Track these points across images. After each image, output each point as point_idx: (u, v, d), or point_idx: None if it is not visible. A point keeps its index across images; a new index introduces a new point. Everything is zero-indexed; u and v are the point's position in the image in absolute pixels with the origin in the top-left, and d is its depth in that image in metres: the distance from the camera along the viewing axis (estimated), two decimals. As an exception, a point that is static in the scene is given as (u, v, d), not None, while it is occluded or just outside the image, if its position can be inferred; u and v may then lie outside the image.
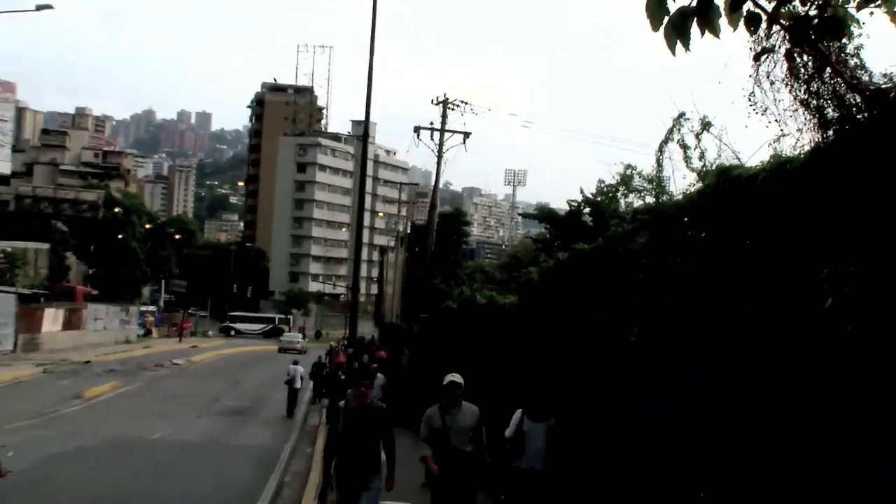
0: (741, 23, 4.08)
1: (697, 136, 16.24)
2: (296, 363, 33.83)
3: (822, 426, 5.52)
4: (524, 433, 11.34)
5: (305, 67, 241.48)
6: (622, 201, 24.82)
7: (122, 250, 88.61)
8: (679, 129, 16.89)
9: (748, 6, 4.03)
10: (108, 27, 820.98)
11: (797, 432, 5.83)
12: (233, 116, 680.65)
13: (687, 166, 16.60)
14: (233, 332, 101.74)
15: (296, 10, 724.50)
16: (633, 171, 23.94)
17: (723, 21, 4.00)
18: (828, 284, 5.55)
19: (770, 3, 4.13)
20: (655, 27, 3.97)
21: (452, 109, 38.08)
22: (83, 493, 15.95)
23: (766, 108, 5.82)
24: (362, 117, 29.11)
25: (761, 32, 4.85)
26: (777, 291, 6.24)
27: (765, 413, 6.27)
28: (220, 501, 16.51)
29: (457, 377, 10.84)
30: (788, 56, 5.36)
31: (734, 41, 4.61)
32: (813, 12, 4.30)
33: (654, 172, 20.50)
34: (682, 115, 16.71)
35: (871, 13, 4.22)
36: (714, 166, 13.40)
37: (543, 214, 35.16)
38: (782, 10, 4.24)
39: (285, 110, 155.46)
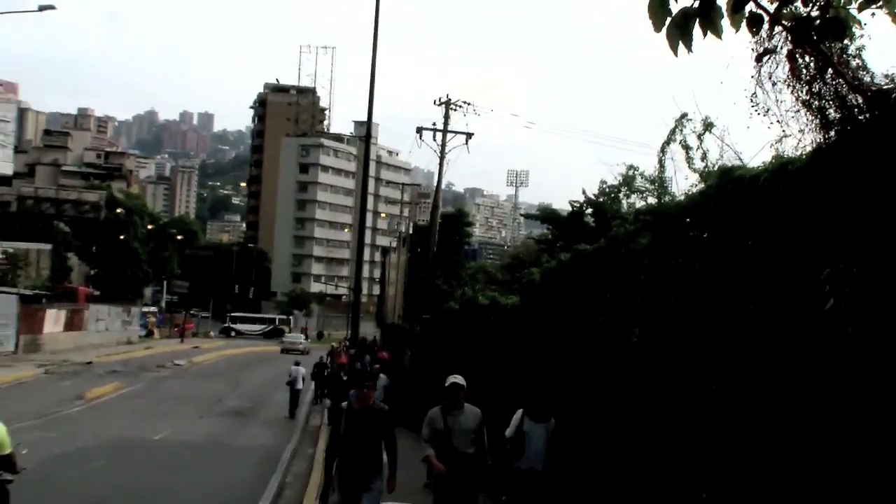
0: (743, 24, 4.08)
1: (700, 136, 16.25)
2: (297, 364, 33.84)
3: (824, 427, 5.52)
4: (524, 433, 11.34)
5: (308, 68, 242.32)
6: (624, 202, 24.81)
7: (124, 251, 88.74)
8: (681, 130, 16.89)
9: (750, 7, 4.03)
10: (111, 28, 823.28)
11: (799, 433, 5.83)
12: (235, 117, 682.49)
13: (689, 167, 16.60)
14: (233, 333, 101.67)
15: (298, 11, 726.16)
16: (636, 172, 23.93)
17: (725, 22, 4.00)
18: (829, 285, 5.54)
19: (772, 4, 4.13)
20: (658, 28, 3.98)
21: (455, 110, 38.12)
22: (85, 494, 15.96)
23: (768, 109, 5.82)
24: (365, 118, 29.15)
25: (763, 33, 4.84)
26: (779, 292, 6.24)
27: (767, 414, 6.27)
28: (222, 502, 16.52)
29: (459, 379, 10.83)
30: (790, 57, 5.36)
31: (736, 42, 4.62)
32: (815, 13, 4.30)
33: (657, 173, 20.49)
34: (684, 115, 16.70)
35: (873, 14, 4.22)
36: (716, 167, 13.41)
37: (545, 215, 35.13)
38: (784, 11, 4.24)
39: (288, 111, 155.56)
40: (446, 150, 37.64)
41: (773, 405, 6.19)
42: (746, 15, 4.05)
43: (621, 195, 25.09)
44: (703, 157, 16.06)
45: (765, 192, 6.66)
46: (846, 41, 5.15)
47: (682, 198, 11.14)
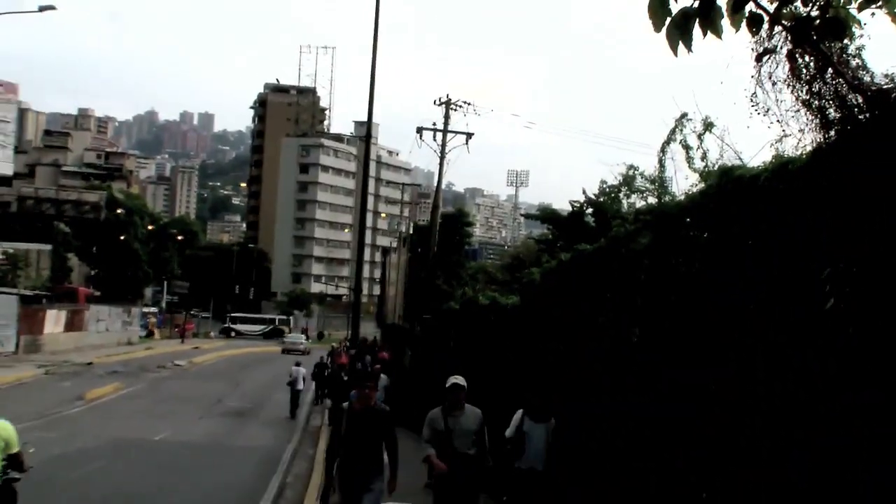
0: (743, 23, 4.08)
1: (700, 136, 16.26)
2: (298, 364, 33.86)
3: (825, 427, 5.52)
4: (524, 434, 11.34)
5: (308, 68, 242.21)
6: (624, 202, 24.81)
7: (125, 251, 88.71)
8: (681, 130, 16.90)
9: (750, 7, 4.03)
10: (111, 28, 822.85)
11: (799, 433, 5.82)
12: (235, 117, 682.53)
13: (689, 167, 16.61)
14: (233, 334, 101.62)
15: (298, 11, 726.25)
16: (636, 172, 23.93)
17: (725, 22, 4.00)
18: (830, 285, 5.54)
19: (772, 3, 4.13)
20: (658, 28, 3.97)
21: (455, 110, 38.14)
22: (85, 495, 15.96)
23: (768, 109, 5.81)
24: (365, 118, 29.13)
25: (763, 33, 4.84)
26: (779, 292, 6.24)
27: (767, 414, 6.27)
28: (223, 502, 16.52)
29: (460, 380, 10.82)
30: (790, 57, 5.36)
31: (736, 42, 4.61)
32: (815, 13, 4.30)
33: (657, 173, 20.50)
34: (684, 115, 16.71)
35: (873, 14, 4.22)
36: (716, 167, 13.41)
37: (546, 215, 35.12)
38: (784, 11, 4.24)
39: (288, 111, 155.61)
40: (446, 150, 37.68)
41: (773, 405, 6.19)
42: (746, 15, 4.05)
43: (621, 195, 25.09)
44: (704, 157, 16.07)
45: (765, 192, 6.65)
46: (846, 41, 5.15)
47: (683, 197, 11.13)
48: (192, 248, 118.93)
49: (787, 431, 5.98)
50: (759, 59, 5.43)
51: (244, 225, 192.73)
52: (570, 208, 31.63)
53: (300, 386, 32.51)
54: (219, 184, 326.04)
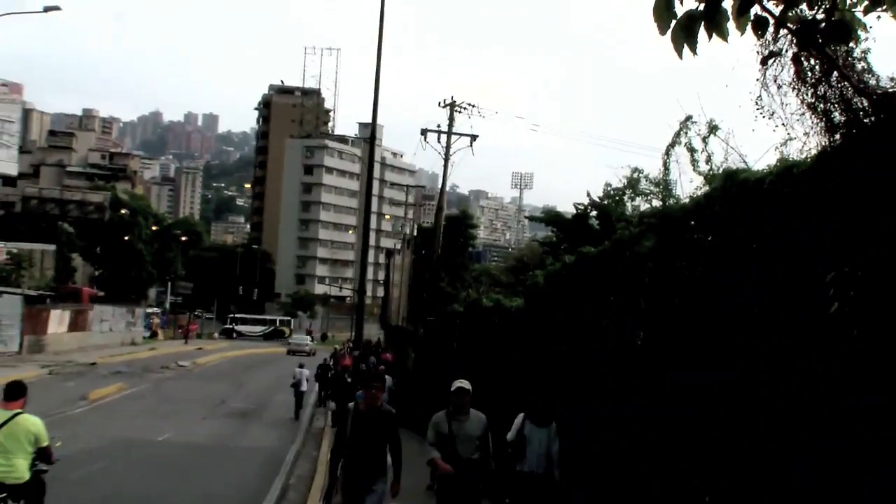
0: (748, 26, 4.08)
1: (704, 139, 16.20)
2: (301, 366, 33.88)
3: (829, 430, 5.52)
4: (524, 437, 11.33)
5: (313, 69, 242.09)
6: (629, 205, 24.76)
7: (129, 252, 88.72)
8: (686, 133, 16.86)
9: (755, 10, 4.03)
10: (115, 28, 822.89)
11: (804, 436, 5.82)
12: (240, 118, 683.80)
13: (694, 170, 16.56)
14: (234, 335, 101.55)
15: (298, 11, 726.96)
16: (640, 175, 23.88)
17: (730, 25, 4.00)
18: (834, 288, 5.54)
19: (777, 7, 4.13)
20: (663, 31, 3.97)
21: (459, 112, 38.14)
22: (88, 496, 15.96)
23: (773, 112, 5.82)
24: (369, 119, 29.10)
25: (768, 36, 4.85)
26: (783, 295, 6.24)
27: (771, 417, 6.26)
28: (225, 503, 16.53)
29: (465, 383, 10.78)
30: (795, 60, 5.36)
31: (741, 45, 4.62)
32: (820, 16, 4.30)
33: (661, 176, 20.44)
34: (688, 118, 16.67)
35: (879, 17, 4.22)
36: (721, 170, 13.38)
37: (550, 218, 35.06)
38: (790, 14, 4.24)
39: (292, 112, 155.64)
40: (451, 152, 37.66)
41: (777, 408, 6.19)
42: (752, 18, 4.05)
43: (626, 198, 25.04)
44: (708, 160, 16.01)
45: (769, 195, 6.66)
46: (851, 44, 5.15)
47: (687, 201, 11.12)
48: (195, 249, 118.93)
49: (791, 434, 5.98)
50: (764, 62, 5.43)
51: (248, 226, 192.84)
52: (574, 211, 31.61)
53: (304, 387, 32.56)
54: (223, 185, 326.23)
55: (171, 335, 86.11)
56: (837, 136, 5.68)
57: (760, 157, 11.94)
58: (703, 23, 3.95)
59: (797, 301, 6.05)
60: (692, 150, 16.68)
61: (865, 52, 5.34)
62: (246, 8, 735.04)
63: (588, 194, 29.31)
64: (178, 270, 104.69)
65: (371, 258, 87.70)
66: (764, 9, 4.07)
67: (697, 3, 3.94)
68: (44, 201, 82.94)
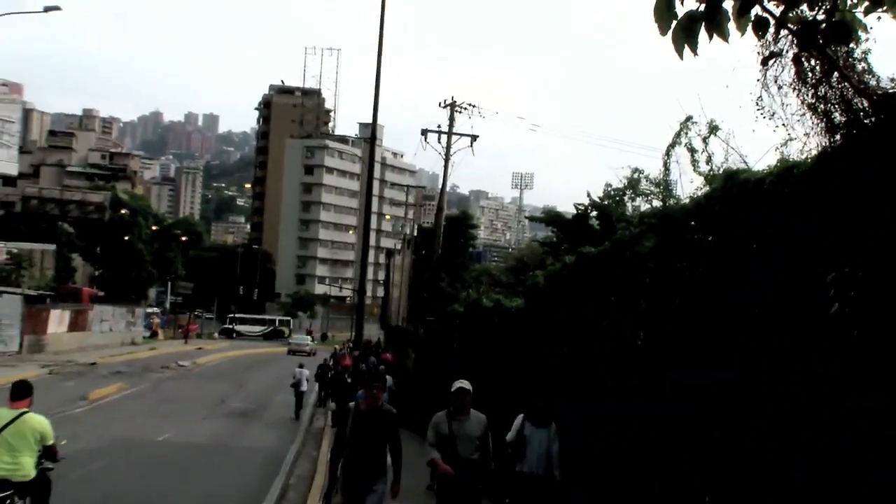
0: (749, 27, 4.08)
1: (705, 139, 16.20)
2: (301, 366, 33.88)
3: (829, 430, 5.52)
4: (524, 438, 11.33)
5: (313, 69, 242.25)
6: (629, 205, 24.75)
7: (129, 252, 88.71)
8: (686, 133, 16.86)
9: (756, 11, 4.03)
10: (116, 28, 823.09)
11: (804, 436, 5.83)
12: (240, 118, 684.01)
13: (694, 170, 16.56)
14: (234, 335, 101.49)
15: (298, 11, 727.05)
16: (640, 175, 23.88)
17: (731, 25, 4.00)
18: (834, 289, 5.54)
19: (778, 7, 4.13)
20: (664, 31, 3.98)
21: (459, 112, 38.15)
22: (88, 495, 15.97)
23: (774, 113, 5.82)
24: (369, 119, 29.06)
25: (769, 37, 4.85)
26: (784, 296, 6.24)
27: (772, 417, 6.27)
28: (225, 503, 16.52)
29: (465, 384, 10.77)
30: (796, 60, 5.36)
31: (742, 45, 4.62)
32: (821, 17, 4.30)
33: (661, 176, 20.44)
34: (689, 118, 16.68)
35: (879, 18, 4.22)
36: (721, 170, 13.38)
37: (550, 218, 35.07)
38: (790, 15, 4.24)
39: (293, 112, 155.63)
40: (451, 153, 37.66)
41: (778, 408, 6.19)
42: (752, 18, 4.05)
43: (626, 198, 25.04)
44: (709, 160, 16.01)
45: (770, 196, 6.66)
46: (852, 45, 5.15)
47: (687, 201, 11.13)
48: (196, 249, 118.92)
49: (792, 434, 5.98)
50: (765, 62, 5.44)
51: (248, 226, 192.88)
52: (574, 211, 31.60)
53: (304, 387, 32.58)
54: (223, 185, 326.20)
55: (171, 335, 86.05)
56: (838, 137, 5.68)
57: (761, 157, 11.95)
58: (703, 23, 3.96)
59: (797, 301, 6.05)
60: (692, 151, 16.68)
61: (866, 52, 5.34)
62: (246, 8, 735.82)
63: (588, 194, 29.31)
64: (178, 270, 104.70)
65: (371, 258, 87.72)
66: (765, 9, 4.07)
67: (698, 4, 3.94)
68: (44, 201, 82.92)
